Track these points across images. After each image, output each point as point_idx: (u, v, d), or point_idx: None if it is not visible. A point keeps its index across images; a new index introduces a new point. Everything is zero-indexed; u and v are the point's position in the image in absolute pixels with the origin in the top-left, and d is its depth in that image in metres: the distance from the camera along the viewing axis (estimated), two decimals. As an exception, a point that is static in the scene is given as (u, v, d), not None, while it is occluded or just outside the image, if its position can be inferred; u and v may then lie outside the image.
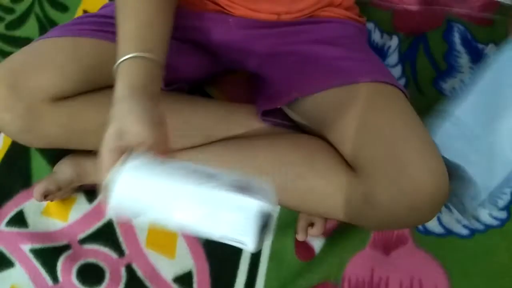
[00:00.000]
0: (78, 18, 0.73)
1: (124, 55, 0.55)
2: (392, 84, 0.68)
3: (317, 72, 0.70)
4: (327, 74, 0.69)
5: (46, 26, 0.98)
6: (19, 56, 0.64)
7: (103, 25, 0.67)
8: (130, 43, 0.56)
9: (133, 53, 0.55)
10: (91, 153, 0.76)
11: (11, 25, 0.98)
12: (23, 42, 0.92)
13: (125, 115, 0.50)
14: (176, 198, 0.40)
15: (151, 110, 0.51)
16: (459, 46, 0.98)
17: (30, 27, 0.97)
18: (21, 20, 0.99)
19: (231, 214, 0.38)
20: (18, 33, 0.97)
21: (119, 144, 0.49)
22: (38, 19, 0.99)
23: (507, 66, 0.84)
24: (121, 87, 0.53)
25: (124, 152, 0.48)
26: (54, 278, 0.74)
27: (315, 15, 0.74)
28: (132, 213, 0.43)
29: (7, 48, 0.95)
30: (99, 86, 0.64)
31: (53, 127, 0.63)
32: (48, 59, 0.62)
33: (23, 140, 0.65)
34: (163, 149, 0.50)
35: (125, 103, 0.51)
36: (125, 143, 0.49)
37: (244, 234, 0.38)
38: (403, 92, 0.69)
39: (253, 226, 0.37)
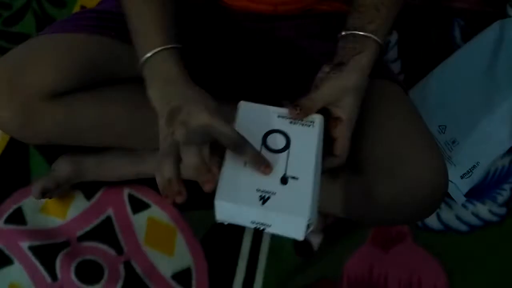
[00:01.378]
0: (75, 13, 0.73)
1: (151, 49, 0.55)
2: (392, 79, 0.68)
3: (316, 67, 0.70)
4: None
5: (43, 22, 0.97)
6: (16, 53, 0.64)
7: (101, 21, 0.67)
8: (154, 36, 0.56)
9: (160, 46, 0.55)
10: (90, 150, 0.77)
11: (9, 21, 0.98)
12: (21, 38, 0.92)
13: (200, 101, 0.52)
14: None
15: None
16: (459, 41, 0.98)
17: (28, 23, 0.97)
18: (18, 16, 0.98)
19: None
20: (15, 29, 0.97)
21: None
22: (35, 15, 0.98)
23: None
24: (177, 73, 0.54)
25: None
26: (53, 276, 0.74)
27: (313, 9, 0.73)
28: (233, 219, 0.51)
29: (4, 44, 0.95)
30: (97, 82, 0.64)
31: (50, 124, 0.62)
32: (45, 56, 0.61)
33: (20, 137, 0.65)
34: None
35: (191, 88, 0.53)
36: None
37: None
38: (402, 87, 0.69)
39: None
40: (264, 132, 0.54)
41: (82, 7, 1.00)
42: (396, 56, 0.96)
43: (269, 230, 0.50)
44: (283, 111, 0.56)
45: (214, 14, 0.72)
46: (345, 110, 0.57)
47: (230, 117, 0.54)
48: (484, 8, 1.01)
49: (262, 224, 0.50)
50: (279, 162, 0.51)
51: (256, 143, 0.52)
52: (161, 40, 0.56)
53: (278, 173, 0.51)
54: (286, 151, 0.52)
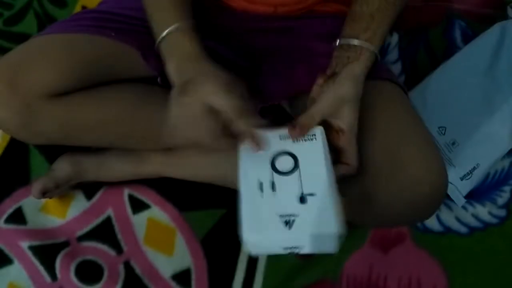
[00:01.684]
0: (76, 14, 0.73)
1: (168, 26, 0.59)
2: (392, 81, 0.68)
3: (316, 68, 0.70)
4: (326, 70, 0.68)
5: (44, 22, 0.97)
6: (17, 52, 0.64)
7: (102, 21, 0.67)
8: (171, 12, 0.60)
9: (176, 23, 0.59)
10: (90, 150, 0.77)
11: (10, 21, 0.98)
12: (22, 38, 0.92)
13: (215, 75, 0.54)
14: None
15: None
16: (459, 43, 0.98)
17: (29, 22, 0.97)
18: (19, 15, 0.98)
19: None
20: (16, 28, 0.97)
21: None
22: (36, 14, 0.98)
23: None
24: (193, 48, 0.58)
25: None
26: (53, 275, 0.74)
27: (314, 10, 0.73)
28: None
29: (5, 44, 0.95)
30: (97, 82, 0.64)
31: (51, 124, 0.62)
32: (45, 56, 0.62)
33: (21, 136, 0.65)
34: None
35: (207, 64, 0.56)
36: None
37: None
38: (403, 89, 0.69)
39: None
40: (270, 158, 0.54)
41: (83, 7, 1.00)
42: (396, 58, 0.96)
43: (304, 251, 0.50)
44: (283, 132, 0.56)
45: (214, 13, 0.72)
46: (345, 120, 0.58)
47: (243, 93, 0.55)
48: (485, 9, 1.01)
49: (295, 247, 0.50)
50: (293, 183, 0.51)
51: (266, 171, 0.53)
52: (177, 16, 0.59)
53: (295, 193, 0.51)
54: (297, 171, 0.53)
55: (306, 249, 0.50)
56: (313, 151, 0.54)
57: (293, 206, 0.50)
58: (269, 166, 0.53)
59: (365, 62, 0.60)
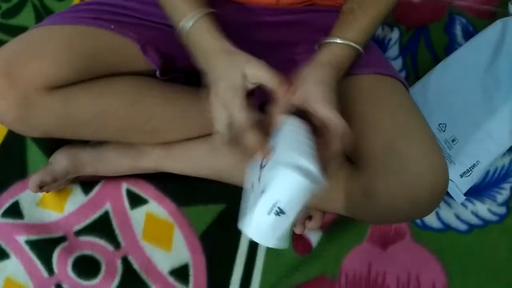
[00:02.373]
0: (74, 6, 0.72)
1: (192, 15, 0.59)
2: (393, 76, 0.68)
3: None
4: None
5: (42, 14, 0.97)
6: (14, 44, 0.63)
7: (100, 13, 0.66)
8: (191, 3, 0.60)
9: (201, 11, 0.59)
10: (88, 144, 0.76)
11: (7, 14, 0.97)
12: (19, 30, 0.90)
13: (243, 63, 0.55)
14: None
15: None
16: (460, 39, 0.97)
17: (26, 15, 0.96)
18: (17, 8, 0.98)
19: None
20: (14, 21, 0.96)
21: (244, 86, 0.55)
22: (34, 7, 0.97)
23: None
24: (217, 40, 0.59)
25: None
26: (50, 270, 0.74)
27: (315, 4, 0.73)
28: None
29: (3, 37, 0.94)
30: (95, 75, 0.63)
31: (48, 117, 0.62)
32: (43, 47, 0.61)
33: (18, 129, 0.64)
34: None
35: (235, 53, 0.57)
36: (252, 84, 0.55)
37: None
38: (404, 84, 0.68)
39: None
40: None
41: (81, -1, 0.99)
42: (397, 54, 0.95)
43: (282, 204, 0.48)
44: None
45: (214, 6, 0.72)
46: (317, 97, 0.55)
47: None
48: (486, 6, 1.01)
49: (275, 205, 0.48)
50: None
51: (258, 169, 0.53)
52: (191, 7, 0.60)
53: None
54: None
55: (282, 201, 0.48)
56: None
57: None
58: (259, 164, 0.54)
59: (339, 53, 0.61)
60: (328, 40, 0.62)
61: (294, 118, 0.56)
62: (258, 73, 0.55)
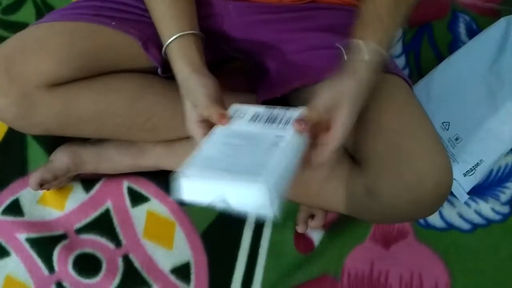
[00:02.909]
0: (75, 2, 0.72)
1: (172, 35, 0.61)
2: (396, 74, 0.67)
3: (319, 60, 0.69)
4: (329, 62, 0.67)
5: (43, 10, 0.96)
6: (14, 41, 0.63)
7: (101, 10, 0.66)
8: (173, 23, 0.62)
9: (179, 32, 0.61)
10: (88, 142, 0.76)
11: (8, 10, 0.96)
12: (20, 27, 0.89)
13: (194, 91, 0.58)
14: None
15: (212, 84, 0.59)
16: (464, 37, 0.97)
17: (27, 11, 0.96)
18: (17, 4, 0.97)
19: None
20: (14, 17, 0.95)
21: (196, 115, 0.57)
22: (34, 3, 0.97)
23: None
24: (182, 67, 0.60)
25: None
26: (50, 268, 0.73)
27: (318, 1, 0.72)
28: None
29: (3, 33, 0.93)
30: (96, 73, 0.63)
31: (48, 114, 0.62)
32: (43, 44, 0.61)
33: (18, 126, 0.64)
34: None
35: (190, 80, 0.59)
36: (198, 115, 0.57)
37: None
38: (407, 82, 0.68)
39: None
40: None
41: (83, -4, 0.98)
42: (400, 52, 0.95)
43: (231, 202, 0.48)
44: (260, 110, 0.58)
45: (218, 5, 0.71)
46: (340, 117, 0.55)
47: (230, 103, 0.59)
48: (489, 3, 1.00)
49: (221, 197, 0.48)
50: None
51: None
52: (179, 27, 0.61)
53: None
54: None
55: (232, 199, 0.48)
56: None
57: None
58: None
59: (372, 63, 0.58)
60: (366, 46, 0.59)
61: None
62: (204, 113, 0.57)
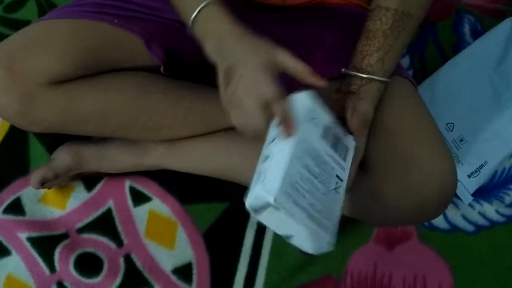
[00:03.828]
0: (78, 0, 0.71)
1: (199, 4, 0.55)
2: (400, 75, 0.66)
3: (324, 61, 0.68)
4: (334, 63, 0.67)
5: (45, 8, 0.95)
6: (17, 38, 0.63)
7: (103, 7, 0.66)
8: None
9: (204, 2, 0.55)
10: (91, 140, 0.75)
11: (10, 8, 0.96)
12: (22, 25, 0.88)
13: (269, 49, 0.53)
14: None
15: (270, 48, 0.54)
16: (468, 38, 0.97)
17: (29, 9, 0.95)
18: (20, 2, 0.96)
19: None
20: (17, 15, 0.94)
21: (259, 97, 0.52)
22: (37, 1, 0.96)
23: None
24: (231, 27, 0.55)
25: None
26: (51, 268, 0.73)
27: (323, 2, 0.71)
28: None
29: (6, 31, 0.93)
30: (98, 70, 0.63)
31: (50, 112, 0.61)
32: (46, 41, 0.60)
33: (19, 124, 0.64)
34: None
35: (241, 42, 0.54)
36: (262, 98, 0.51)
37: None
38: (412, 83, 0.67)
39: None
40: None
41: (85, -6, 0.98)
42: (404, 52, 0.94)
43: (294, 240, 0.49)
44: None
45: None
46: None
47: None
48: (494, 4, 1.00)
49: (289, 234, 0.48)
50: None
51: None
52: None
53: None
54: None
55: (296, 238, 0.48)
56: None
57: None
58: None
59: (377, 88, 0.61)
60: (371, 74, 0.61)
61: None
62: (288, 60, 0.53)
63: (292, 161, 0.47)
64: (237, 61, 0.53)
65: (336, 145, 0.54)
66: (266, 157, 0.49)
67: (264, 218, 0.47)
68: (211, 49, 0.55)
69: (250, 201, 0.47)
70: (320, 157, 0.51)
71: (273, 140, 0.51)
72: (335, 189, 0.51)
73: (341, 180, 0.53)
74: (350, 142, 0.56)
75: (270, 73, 0.52)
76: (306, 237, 0.48)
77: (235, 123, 0.54)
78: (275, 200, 0.45)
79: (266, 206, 0.46)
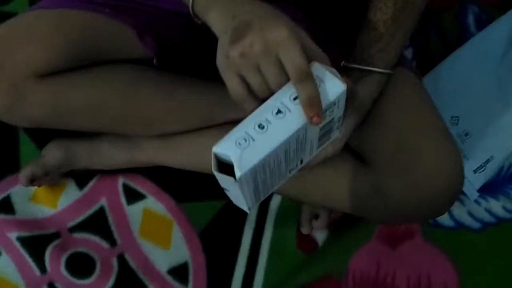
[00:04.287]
0: (68, -11, 0.69)
1: None
2: (404, 67, 0.65)
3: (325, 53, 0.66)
4: (335, 54, 0.65)
5: (36, 1, 0.94)
6: (3, 28, 0.61)
7: None
8: None
9: None
10: (82, 136, 0.74)
11: (1, 1, 0.94)
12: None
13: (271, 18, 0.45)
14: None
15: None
16: (473, 28, 0.95)
17: (20, 2, 0.94)
18: (11, -5, 0.95)
19: None
20: (6, 8, 0.93)
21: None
22: (28, -7, 0.95)
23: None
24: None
25: None
26: (42, 268, 0.72)
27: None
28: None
29: (-5, 24, 0.91)
30: (88, 62, 0.61)
31: (39, 105, 0.60)
32: (33, 32, 0.59)
33: (6, 118, 0.63)
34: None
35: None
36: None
37: None
38: (417, 75, 0.66)
39: None
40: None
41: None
42: (407, 43, 0.93)
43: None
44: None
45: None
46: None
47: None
48: (499, -6, 0.98)
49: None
50: None
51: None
52: None
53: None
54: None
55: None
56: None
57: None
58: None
59: (377, 80, 0.59)
60: (372, 66, 0.59)
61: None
62: (309, 39, 0.46)
63: (280, 146, 0.44)
64: (255, 16, 0.45)
65: (324, 136, 0.50)
66: (260, 126, 0.44)
67: (216, 171, 0.44)
68: (216, 15, 0.48)
69: (218, 151, 0.43)
70: (303, 144, 0.48)
71: (278, 111, 0.44)
72: (290, 170, 0.49)
73: (301, 163, 0.50)
74: (339, 87, 0.47)
75: (299, 41, 0.44)
76: (238, 197, 0.47)
77: (234, 88, 0.46)
78: (239, 177, 0.43)
79: (227, 170, 0.43)
